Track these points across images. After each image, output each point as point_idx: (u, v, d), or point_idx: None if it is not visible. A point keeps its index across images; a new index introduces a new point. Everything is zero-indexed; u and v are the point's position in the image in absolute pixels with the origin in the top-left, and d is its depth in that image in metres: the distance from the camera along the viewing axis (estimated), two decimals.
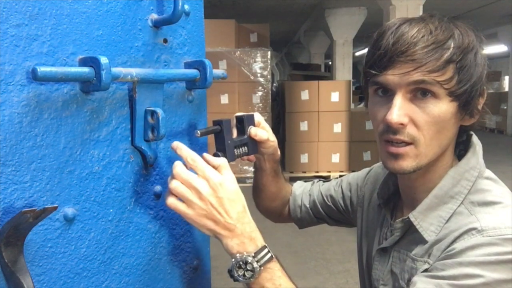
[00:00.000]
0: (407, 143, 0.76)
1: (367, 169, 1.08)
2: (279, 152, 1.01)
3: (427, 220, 0.79)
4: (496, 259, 0.69)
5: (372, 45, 0.77)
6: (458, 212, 0.77)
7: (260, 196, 1.10)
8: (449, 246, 0.74)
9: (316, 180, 1.18)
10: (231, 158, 0.86)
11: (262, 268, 0.73)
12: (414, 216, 0.80)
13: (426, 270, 0.76)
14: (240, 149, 0.89)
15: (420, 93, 0.74)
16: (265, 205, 1.12)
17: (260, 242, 0.75)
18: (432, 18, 0.76)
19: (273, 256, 0.75)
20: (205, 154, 0.77)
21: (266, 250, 0.74)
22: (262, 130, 0.91)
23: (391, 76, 0.74)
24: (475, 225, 0.73)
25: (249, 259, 0.72)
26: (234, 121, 0.90)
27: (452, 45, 0.72)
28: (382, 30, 0.77)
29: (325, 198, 1.11)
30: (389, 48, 0.73)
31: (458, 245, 0.72)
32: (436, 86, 0.72)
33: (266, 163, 1.01)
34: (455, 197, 0.78)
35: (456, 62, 0.72)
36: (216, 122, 0.85)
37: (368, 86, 0.81)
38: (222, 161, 0.76)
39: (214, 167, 0.75)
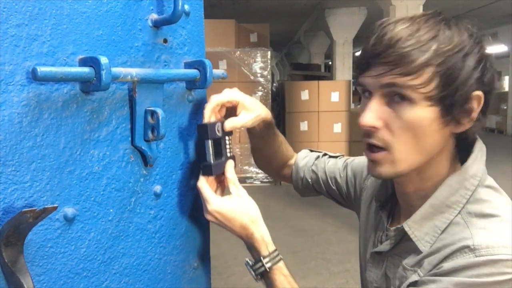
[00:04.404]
0: (381, 149, 0.74)
1: None
2: (269, 117, 0.96)
3: (422, 230, 0.77)
4: (486, 281, 0.67)
5: (364, 44, 0.77)
6: (455, 223, 0.75)
7: (255, 155, 1.10)
8: (440, 262, 0.73)
9: (321, 154, 1.14)
10: (231, 157, 0.88)
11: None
12: (408, 226, 0.78)
13: (415, 282, 0.75)
14: (228, 143, 0.88)
15: (396, 96, 0.72)
16: (261, 163, 1.13)
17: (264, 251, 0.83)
18: (423, 17, 0.73)
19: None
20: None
21: (260, 264, 0.83)
22: (234, 121, 0.88)
23: (367, 78, 0.74)
24: (468, 243, 0.70)
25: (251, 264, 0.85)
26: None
27: (433, 47, 0.69)
28: (371, 30, 0.75)
29: (329, 180, 1.08)
30: (368, 49, 0.73)
31: (450, 264, 0.71)
32: (408, 90, 0.70)
33: (255, 126, 0.97)
34: (452, 206, 0.76)
35: (436, 64, 0.69)
36: (202, 128, 0.82)
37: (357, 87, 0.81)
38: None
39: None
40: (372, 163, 0.77)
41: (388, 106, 0.73)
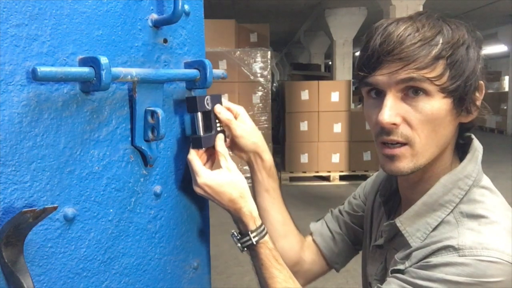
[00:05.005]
0: (402, 144, 0.75)
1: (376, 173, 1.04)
2: (268, 158, 0.96)
3: (413, 226, 0.79)
4: (465, 280, 0.68)
5: (362, 47, 0.78)
6: (447, 221, 0.76)
7: (268, 225, 0.96)
8: (426, 257, 0.74)
9: (331, 210, 1.11)
10: (221, 131, 0.88)
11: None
12: (400, 222, 0.80)
13: (401, 271, 0.76)
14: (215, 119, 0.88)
15: (411, 91, 0.73)
16: (281, 237, 1.00)
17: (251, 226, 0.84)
18: (420, 16, 0.75)
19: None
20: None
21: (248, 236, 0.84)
22: (223, 110, 0.88)
23: (380, 77, 0.74)
24: (453, 243, 0.72)
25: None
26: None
27: (440, 41, 0.72)
28: (370, 31, 0.77)
29: (354, 214, 1.05)
30: (376, 48, 0.73)
31: (434, 259, 0.72)
32: (426, 82, 0.72)
33: (259, 170, 0.97)
34: (445, 205, 0.77)
35: (446, 57, 0.72)
36: (192, 100, 0.82)
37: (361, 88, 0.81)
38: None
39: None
40: (390, 159, 0.77)
41: (404, 102, 0.74)
